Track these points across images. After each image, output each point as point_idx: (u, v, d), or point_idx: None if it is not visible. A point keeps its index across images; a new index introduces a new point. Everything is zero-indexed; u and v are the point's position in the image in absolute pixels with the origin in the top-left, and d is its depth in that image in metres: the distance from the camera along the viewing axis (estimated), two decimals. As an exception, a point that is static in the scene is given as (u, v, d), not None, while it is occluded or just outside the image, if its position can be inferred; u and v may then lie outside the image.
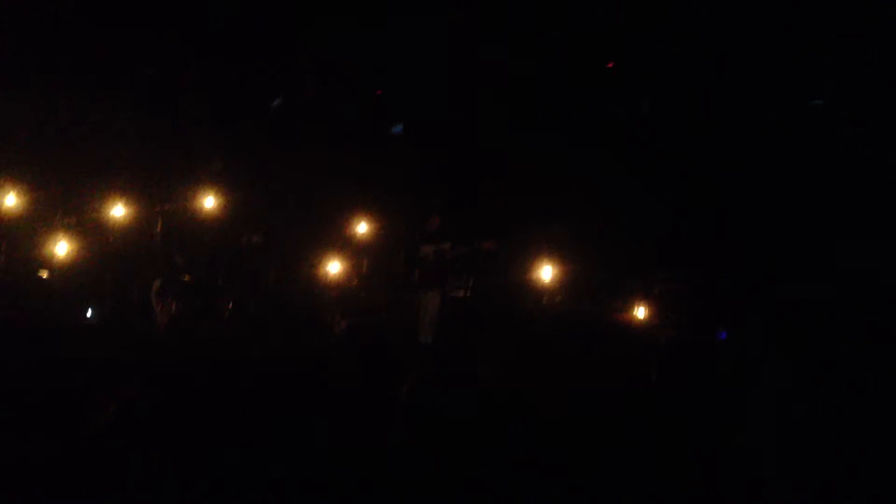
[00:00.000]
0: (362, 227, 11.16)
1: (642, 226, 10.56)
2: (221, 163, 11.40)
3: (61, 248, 9.88)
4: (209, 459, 3.34)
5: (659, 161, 10.94)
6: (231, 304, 10.13)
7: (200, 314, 9.69)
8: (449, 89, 11.76)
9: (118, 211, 10.74)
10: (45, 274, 9.33)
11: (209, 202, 11.06)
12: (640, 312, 9.38)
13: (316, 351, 6.21)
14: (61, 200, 10.63)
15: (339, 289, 10.60)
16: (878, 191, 9.88)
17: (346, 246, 10.98)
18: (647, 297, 9.56)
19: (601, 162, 11.03)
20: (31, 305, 8.59)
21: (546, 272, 10.25)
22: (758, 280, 9.75)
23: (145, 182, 10.98)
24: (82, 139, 10.96)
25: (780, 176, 10.45)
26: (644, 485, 2.32)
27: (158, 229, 10.77)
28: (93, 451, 2.80)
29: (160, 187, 11.05)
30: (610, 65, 11.66)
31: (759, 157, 10.62)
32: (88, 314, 9.84)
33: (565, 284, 10.33)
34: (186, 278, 9.85)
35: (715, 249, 10.21)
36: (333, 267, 10.63)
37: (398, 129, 12.61)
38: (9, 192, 10.32)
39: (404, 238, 10.83)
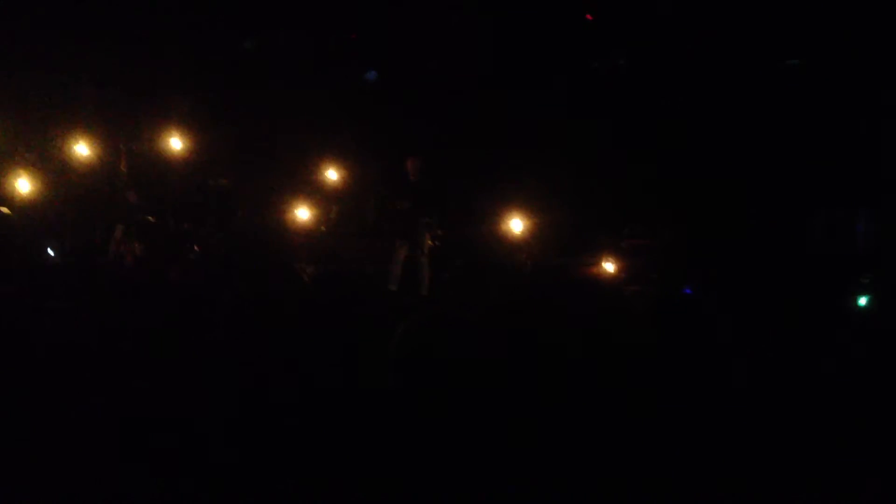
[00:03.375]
0: (332, 174, 11.03)
1: (613, 181, 10.55)
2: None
3: (22, 184, 9.68)
4: (179, 403, 3.30)
5: (632, 116, 10.89)
6: (197, 248, 10.00)
7: (167, 257, 9.58)
8: (424, 37, 11.58)
9: (81, 149, 10.52)
10: (5, 210, 9.13)
11: (176, 143, 10.86)
12: (609, 266, 9.39)
13: (282, 295, 6.16)
14: (22, 136, 10.38)
15: (308, 235, 10.50)
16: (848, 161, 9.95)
17: (315, 192, 10.86)
18: (615, 252, 9.57)
19: (574, 116, 10.96)
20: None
21: (516, 225, 10.22)
22: (724, 238, 9.80)
23: (110, 120, 10.75)
24: (45, 73, 10.67)
25: (752, 136, 10.45)
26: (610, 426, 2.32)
27: (122, 168, 10.56)
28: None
29: (125, 126, 10.83)
30: (589, 17, 11.53)
31: (731, 117, 10.61)
32: (51, 253, 9.66)
33: (535, 237, 10.31)
34: (152, 220, 9.69)
35: (683, 206, 10.23)
36: (302, 213, 10.52)
37: (372, 75, 12.42)
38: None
39: (374, 186, 10.72)
